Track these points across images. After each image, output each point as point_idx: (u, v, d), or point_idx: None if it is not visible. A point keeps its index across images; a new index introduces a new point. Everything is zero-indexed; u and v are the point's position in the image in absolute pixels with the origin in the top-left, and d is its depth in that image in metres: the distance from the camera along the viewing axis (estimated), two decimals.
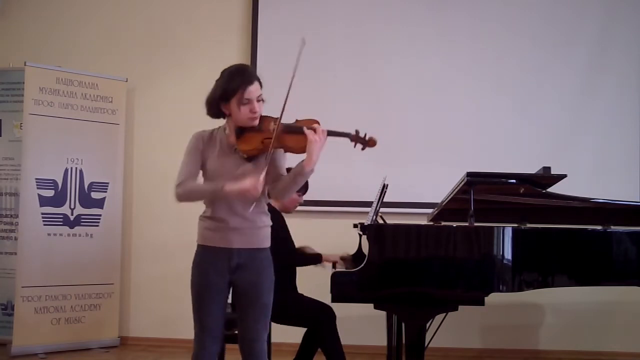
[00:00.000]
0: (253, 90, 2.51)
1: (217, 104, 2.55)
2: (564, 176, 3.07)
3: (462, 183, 3.03)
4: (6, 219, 4.99)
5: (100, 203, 5.00)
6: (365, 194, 4.55)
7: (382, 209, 3.74)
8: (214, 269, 2.60)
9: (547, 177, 3.14)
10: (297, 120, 2.58)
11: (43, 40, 5.33)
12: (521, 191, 3.12)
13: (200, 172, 2.64)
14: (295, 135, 2.51)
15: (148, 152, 5.27)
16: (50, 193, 4.80)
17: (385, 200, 3.70)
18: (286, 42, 5.17)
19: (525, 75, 4.98)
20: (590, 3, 4.97)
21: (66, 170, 4.88)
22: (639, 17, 4.94)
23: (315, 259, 3.69)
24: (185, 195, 2.57)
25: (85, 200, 4.94)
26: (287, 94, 2.52)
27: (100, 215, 4.99)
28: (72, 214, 4.88)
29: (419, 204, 4.74)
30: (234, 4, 5.27)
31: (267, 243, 2.67)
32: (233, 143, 2.57)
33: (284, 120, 2.54)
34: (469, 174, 2.99)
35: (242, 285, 2.61)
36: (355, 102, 5.02)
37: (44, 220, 4.75)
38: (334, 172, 4.89)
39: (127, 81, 5.15)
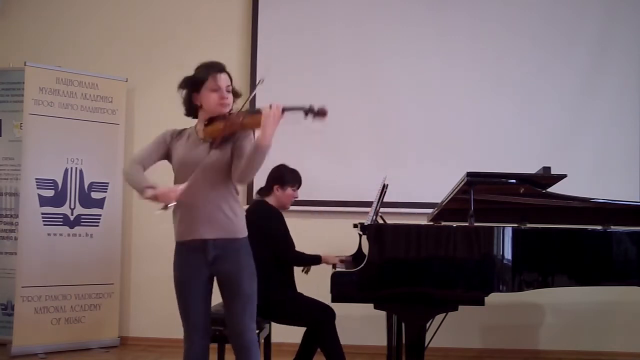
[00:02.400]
0: (222, 78, 2.65)
1: (189, 97, 2.70)
2: (564, 176, 3.07)
3: (462, 183, 3.03)
4: (6, 219, 4.99)
5: (100, 203, 5.00)
6: (365, 194, 4.55)
7: (382, 209, 3.74)
8: (191, 264, 2.65)
9: (547, 177, 3.14)
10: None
11: (43, 40, 5.33)
12: (521, 191, 3.12)
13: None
14: (254, 115, 2.59)
15: None
16: (50, 193, 4.80)
17: (385, 200, 3.71)
18: (286, 42, 5.20)
19: (525, 75, 4.98)
20: (590, 3, 4.97)
21: (66, 170, 4.88)
22: (639, 17, 4.94)
23: (314, 260, 3.69)
24: (125, 174, 2.69)
25: (85, 200, 4.94)
26: (253, 91, 2.75)
27: (100, 215, 4.99)
28: (72, 214, 4.88)
29: (419, 204, 4.74)
30: (234, 4, 5.27)
31: (242, 233, 2.69)
32: (200, 131, 2.67)
33: None
34: (469, 174, 2.99)
35: (222, 277, 2.66)
36: (355, 102, 5.02)
37: (44, 220, 4.75)
38: (334, 172, 4.90)
39: (127, 81, 5.16)
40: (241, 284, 2.63)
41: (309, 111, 2.56)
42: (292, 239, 3.69)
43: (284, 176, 3.70)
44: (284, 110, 2.52)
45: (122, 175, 2.76)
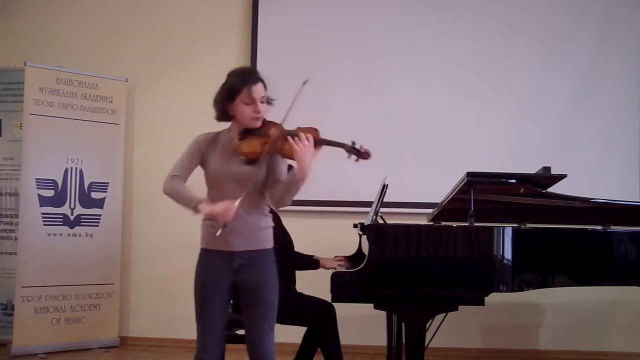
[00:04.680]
0: (257, 90, 2.54)
1: (223, 105, 2.58)
2: (564, 176, 3.07)
3: (462, 183, 3.03)
4: (6, 219, 4.99)
5: (100, 203, 5.00)
6: (366, 194, 4.55)
7: (382, 209, 3.74)
8: (216, 271, 2.62)
9: (547, 177, 3.14)
10: (298, 128, 2.57)
11: (43, 40, 5.33)
12: (521, 191, 3.12)
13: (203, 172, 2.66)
14: (291, 143, 2.50)
15: (148, 152, 5.27)
16: (50, 193, 4.80)
17: (385, 200, 3.71)
18: (286, 42, 5.20)
19: (526, 75, 4.98)
20: (590, 3, 4.96)
21: (66, 170, 4.88)
22: (639, 17, 4.94)
23: (312, 264, 3.67)
24: (169, 191, 2.60)
25: (85, 200, 4.94)
26: (293, 102, 2.55)
27: (100, 215, 4.99)
28: (72, 214, 4.88)
29: (419, 204, 4.74)
30: (234, 4, 5.27)
31: (269, 244, 2.67)
32: (235, 144, 2.59)
33: (288, 127, 2.54)
34: (469, 174, 2.99)
35: (245, 285, 2.63)
36: (355, 102, 5.03)
37: (44, 220, 4.75)
38: (334, 172, 4.86)
39: (127, 81, 5.15)
40: (263, 294, 2.62)
41: (351, 150, 2.54)
42: (289, 240, 3.67)
43: None
44: (320, 143, 2.50)
45: (165, 192, 2.60)
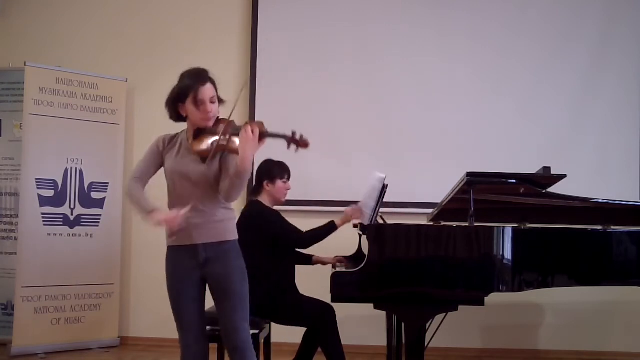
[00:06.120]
0: (205, 91, 2.58)
1: (173, 106, 2.64)
2: (564, 176, 3.07)
3: (462, 183, 3.03)
4: (6, 219, 4.99)
5: (100, 203, 4.99)
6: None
7: (382, 209, 3.74)
8: (183, 266, 2.66)
9: (547, 177, 3.14)
10: (245, 123, 2.58)
11: (43, 40, 5.33)
12: (521, 191, 3.12)
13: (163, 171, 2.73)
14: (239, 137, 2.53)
15: None
16: (50, 193, 4.80)
17: (385, 200, 3.71)
18: (286, 42, 5.20)
19: (526, 75, 4.98)
20: (590, 3, 4.97)
21: (66, 170, 4.88)
22: (639, 17, 4.94)
23: (328, 229, 3.62)
24: (128, 194, 2.70)
25: (85, 200, 4.94)
26: (238, 97, 2.64)
27: (100, 215, 4.99)
28: (72, 214, 4.88)
29: (419, 204, 4.74)
30: (234, 4, 5.27)
31: (231, 236, 2.70)
32: (190, 143, 2.64)
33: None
34: (469, 174, 2.99)
35: (212, 278, 2.66)
36: (355, 101, 5.03)
37: (44, 220, 4.75)
38: (333, 172, 4.90)
39: (127, 81, 5.16)
40: (232, 285, 2.64)
41: (291, 140, 2.56)
42: (295, 227, 3.65)
43: (271, 170, 3.66)
44: (263, 135, 2.50)
45: (126, 194, 2.73)
